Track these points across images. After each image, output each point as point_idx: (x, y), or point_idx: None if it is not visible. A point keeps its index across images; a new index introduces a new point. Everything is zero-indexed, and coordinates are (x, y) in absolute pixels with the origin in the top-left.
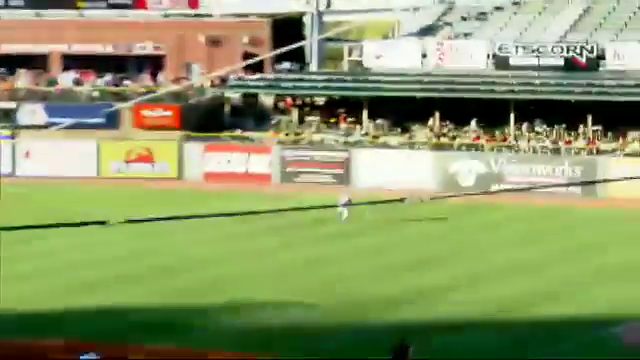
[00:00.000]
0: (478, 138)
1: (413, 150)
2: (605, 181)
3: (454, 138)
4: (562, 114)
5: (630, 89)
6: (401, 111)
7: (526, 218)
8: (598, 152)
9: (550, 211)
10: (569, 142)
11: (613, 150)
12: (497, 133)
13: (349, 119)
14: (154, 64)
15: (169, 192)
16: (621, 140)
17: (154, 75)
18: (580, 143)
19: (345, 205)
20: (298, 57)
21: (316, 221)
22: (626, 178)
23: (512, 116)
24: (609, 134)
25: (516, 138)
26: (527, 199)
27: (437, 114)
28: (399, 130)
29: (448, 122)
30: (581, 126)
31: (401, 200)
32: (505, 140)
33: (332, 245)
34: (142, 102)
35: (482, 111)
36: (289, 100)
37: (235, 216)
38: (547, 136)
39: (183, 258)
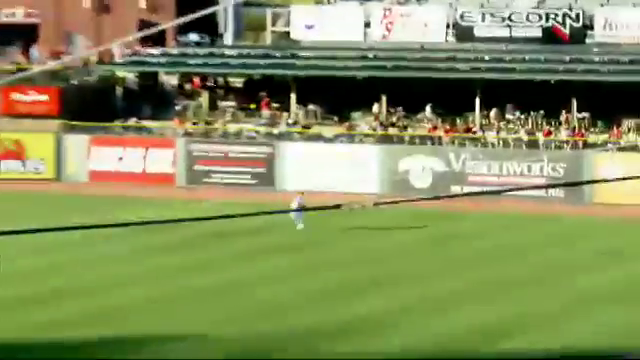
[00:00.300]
0: (435, 128)
1: (354, 144)
2: (594, 182)
3: (405, 128)
4: (540, 98)
5: (624, 66)
6: (339, 95)
7: (494, 230)
8: (585, 145)
9: (525, 220)
10: (549, 133)
11: (604, 143)
12: (459, 122)
13: (273, 104)
14: (26, 35)
15: (44, 196)
16: (614, 130)
17: (26, 49)
18: (563, 134)
19: (299, 210)
20: (209, 27)
21: (232, 234)
22: (621, 178)
23: (477, 101)
24: (599, 123)
25: (482, 128)
26: (496, 205)
27: (384, 98)
28: (336, 118)
29: (398, 108)
30: (564, 113)
31: (337, 207)
32: (469, 131)
33: (253, 264)
34: (10, 83)
35: (440, 95)
36: (197, 81)
37: (132, 226)
38: (521, 125)
39: (67, 282)
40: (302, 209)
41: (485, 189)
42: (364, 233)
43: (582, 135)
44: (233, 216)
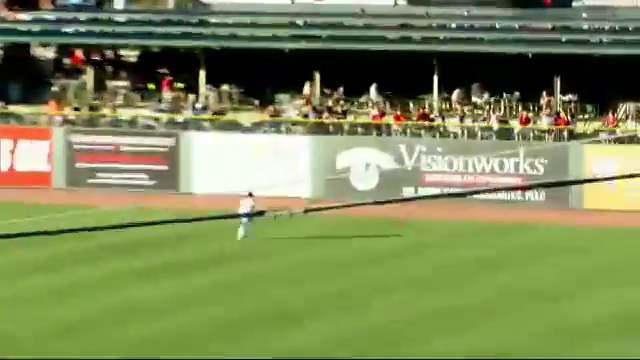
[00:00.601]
0: (382, 115)
1: (279, 134)
2: (583, 182)
3: (344, 114)
4: (514, 76)
5: (619, 36)
6: (260, 72)
7: (455, 242)
8: (572, 136)
9: (493, 231)
10: (526, 121)
11: (595, 133)
12: (412, 106)
13: (177, 85)
14: None
15: None
16: (608, 117)
17: None
18: (543, 122)
19: (248, 216)
20: None
21: (138, 245)
22: (617, 177)
23: (435, 80)
24: (588, 108)
25: (442, 114)
26: (459, 211)
27: (317, 77)
28: (257, 102)
29: (335, 90)
30: (544, 95)
31: (259, 214)
32: (425, 118)
33: (158, 285)
34: None
35: (388, 72)
36: (80, 54)
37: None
38: (491, 111)
39: None
40: (250, 215)
41: (445, 191)
42: (290, 246)
43: (568, 123)
44: (135, 225)
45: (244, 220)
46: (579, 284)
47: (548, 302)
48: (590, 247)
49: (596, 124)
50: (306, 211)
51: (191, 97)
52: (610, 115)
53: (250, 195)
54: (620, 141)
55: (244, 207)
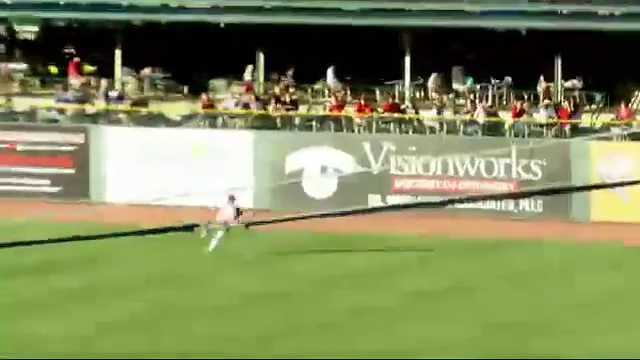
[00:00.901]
0: (342, 105)
1: (214, 130)
2: (589, 188)
3: (294, 105)
4: (505, 57)
5: (635, 7)
6: (191, 53)
7: (433, 264)
8: (576, 131)
9: (480, 247)
10: (520, 112)
11: (605, 127)
12: (379, 95)
13: (86, 67)
14: None
15: None
16: (621, 108)
17: None
18: (541, 114)
19: (225, 224)
20: None
21: (32, 269)
22: (631, 182)
23: (407, 62)
24: (597, 97)
25: (416, 105)
26: (438, 224)
27: (261, 58)
28: (186, 90)
29: (283, 74)
30: (542, 81)
31: (189, 228)
32: (394, 109)
33: (52, 320)
34: None
35: (349, 52)
36: None
37: None
38: (477, 100)
39: None
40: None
41: (420, 200)
42: (230, 268)
43: (571, 115)
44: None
45: (220, 231)
46: (585, 319)
47: (545, 337)
48: (598, 270)
49: (606, 117)
50: (247, 225)
51: (104, 83)
52: (623, 106)
53: (232, 199)
54: (635, 137)
55: (223, 215)
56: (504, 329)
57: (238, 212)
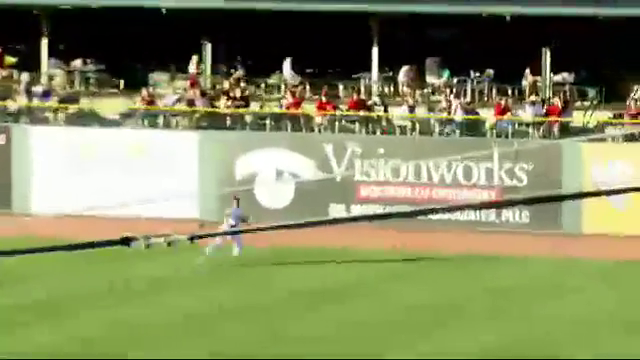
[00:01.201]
0: (300, 101)
1: (155, 129)
2: (581, 196)
3: (246, 101)
4: (487, 47)
5: None
6: (127, 42)
7: (399, 284)
8: (566, 131)
9: (459, 265)
10: (504, 110)
11: (600, 126)
12: (342, 90)
13: (7, 59)
14: None
15: None
16: (631, 105)
17: None
18: (527, 112)
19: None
20: None
21: None
22: (633, 189)
23: (375, 52)
24: (590, 92)
25: (384, 101)
26: (408, 238)
27: (208, 48)
28: (122, 84)
29: (233, 67)
30: (528, 74)
31: (125, 242)
32: (360, 106)
33: None
34: None
35: (308, 42)
36: None
37: None
38: (454, 96)
39: None
40: (235, 230)
41: (389, 210)
42: (169, 287)
43: (561, 113)
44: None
45: (218, 240)
46: (579, 348)
47: None
48: (593, 290)
49: (602, 115)
50: (192, 238)
51: (25, 77)
52: (632, 102)
53: (236, 201)
54: (633, 138)
55: (233, 217)
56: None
57: (245, 216)
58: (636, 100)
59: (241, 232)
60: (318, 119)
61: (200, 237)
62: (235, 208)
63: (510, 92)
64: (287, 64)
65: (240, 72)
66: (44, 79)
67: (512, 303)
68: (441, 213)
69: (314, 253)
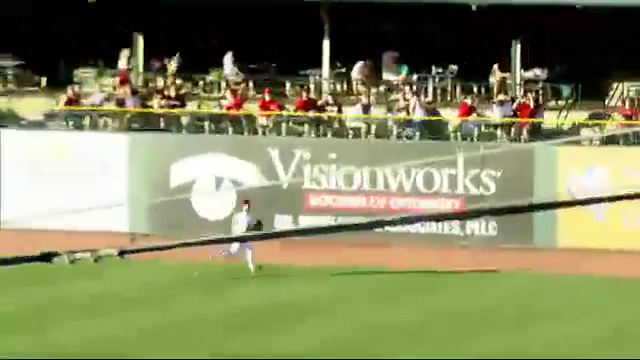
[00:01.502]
0: (241, 101)
1: (81, 132)
2: (555, 206)
3: (181, 101)
4: (451, 40)
5: None
6: (47, 36)
7: (348, 306)
8: (538, 134)
9: (418, 283)
10: (469, 110)
11: (575, 128)
12: (289, 88)
13: None
14: None
15: None
16: (625, 104)
17: None
18: (495, 112)
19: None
20: None
21: None
22: (612, 198)
23: (326, 45)
24: (564, 90)
25: (337, 100)
26: (362, 253)
27: (140, 41)
28: (43, 81)
29: (168, 62)
30: (496, 70)
31: (46, 258)
32: (310, 106)
33: None
34: None
35: (251, 34)
36: None
37: None
38: (414, 95)
39: None
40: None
41: (341, 222)
42: (82, 313)
43: (533, 113)
44: None
45: (234, 247)
46: None
47: None
48: (568, 312)
49: (578, 115)
50: (122, 253)
51: None
52: (628, 101)
53: (247, 204)
54: (613, 141)
55: (241, 224)
56: None
57: (256, 223)
58: (632, 99)
59: (179, 246)
60: (262, 120)
61: (131, 252)
62: (245, 214)
63: (476, 90)
64: (228, 59)
65: (174, 66)
66: None
67: (472, 328)
68: (399, 225)
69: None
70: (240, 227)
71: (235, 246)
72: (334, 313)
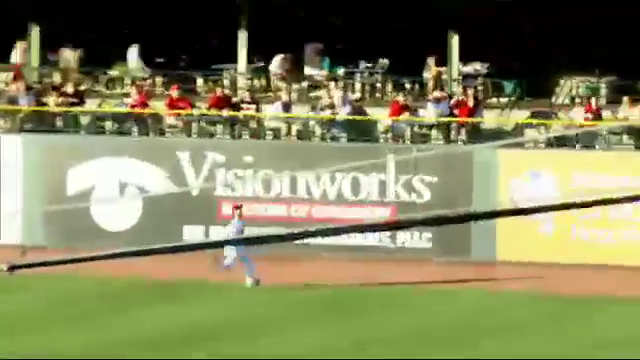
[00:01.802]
0: (145, 101)
1: None
2: (495, 216)
3: (80, 98)
4: (381, 31)
5: None
6: None
7: (269, 330)
8: (477, 135)
9: (341, 303)
10: (401, 108)
11: (518, 128)
12: (201, 84)
13: None
14: None
15: None
16: (591, 102)
17: None
18: (430, 111)
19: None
20: None
21: None
22: (559, 206)
23: (242, 38)
24: (507, 85)
25: (254, 97)
26: (281, 269)
27: (35, 33)
28: None
29: (56, 53)
30: (431, 63)
31: None
32: (224, 103)
33: None
34: None
35: (159, 25)
36: None
37: None
38: (340, 91)
39: None
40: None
41: (258, 232)
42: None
43: (472, 112)
44: None
45: (229, 258)
46: None
47: None
48: (507, 333)
49: (521, 114)
50: (12, 268)
51: None
52: (594, 99)
53: (238, 209)
54: (560, 143)
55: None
56: None
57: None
58: (571, 97)
59: (73, 261)
60: (170, 120)
61: (21, 267)
62: (237, 221)
63: (409, 86)
64: (133, 52)
65: (73, 58)
66: None
67: (409, 351)
68: (323, 236)
69: (167, 285)
70: (233, 231)
71: (230, 257)
72: (249, 338)
